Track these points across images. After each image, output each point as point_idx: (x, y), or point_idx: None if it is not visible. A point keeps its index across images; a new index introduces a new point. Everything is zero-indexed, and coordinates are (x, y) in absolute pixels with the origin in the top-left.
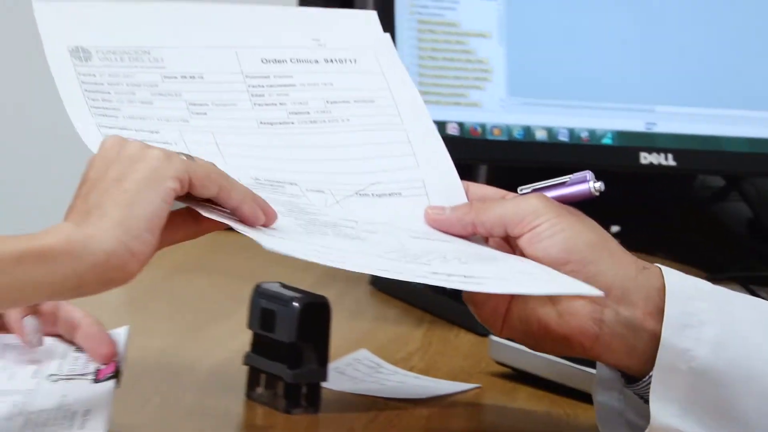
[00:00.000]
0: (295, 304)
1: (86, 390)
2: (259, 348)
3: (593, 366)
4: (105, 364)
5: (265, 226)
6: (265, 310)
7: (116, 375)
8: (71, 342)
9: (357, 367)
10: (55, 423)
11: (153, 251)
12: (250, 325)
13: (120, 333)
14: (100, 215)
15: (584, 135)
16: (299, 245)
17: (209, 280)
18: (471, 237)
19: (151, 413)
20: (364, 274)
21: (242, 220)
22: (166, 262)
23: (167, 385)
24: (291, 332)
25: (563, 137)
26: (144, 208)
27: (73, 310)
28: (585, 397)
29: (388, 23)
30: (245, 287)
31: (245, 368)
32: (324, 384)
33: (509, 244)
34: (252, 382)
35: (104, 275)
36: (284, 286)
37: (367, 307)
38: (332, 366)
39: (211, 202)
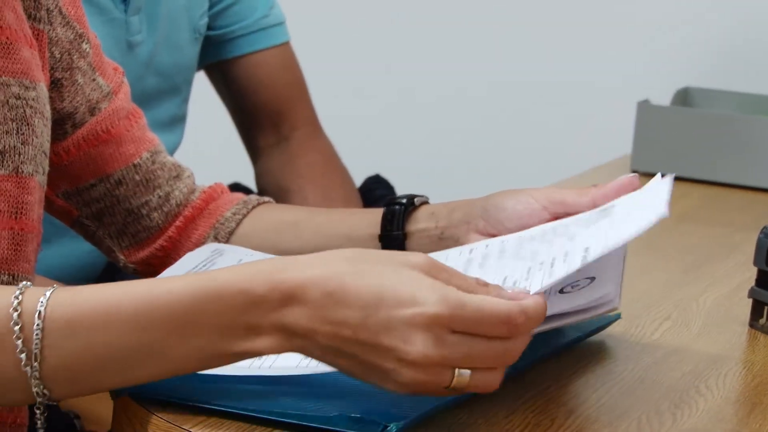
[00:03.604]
0: None
1: None
2: (764, 283)
3: None
4: None
5: None
6: None
7: None
8: None
9: None
10: None
11: None
12: (756, 262)
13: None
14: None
15: None
16: None
17: (707, 229)
18: None
19: (664, 334)
20: None
21: None
22: (672, 213)
23: (677, 312)
24: None
25: None
26: None
27: None
28: None
29: None
30: (738, 234)
31: (749, 301)
32: None
33: None
34: (755, 313)
35: None
36: None
37: None
38: None
39: None
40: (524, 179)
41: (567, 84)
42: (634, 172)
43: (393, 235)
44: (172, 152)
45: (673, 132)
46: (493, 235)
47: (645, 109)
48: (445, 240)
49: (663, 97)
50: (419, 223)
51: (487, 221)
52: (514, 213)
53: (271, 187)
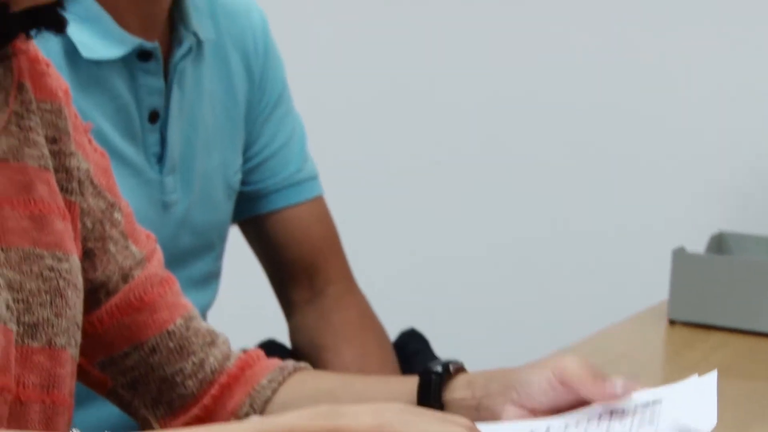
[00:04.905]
0: None
1: None
2: None
3: None
4: None
5: None
6: None
7: None
8: None
9: None
10: None
11: None
12: None
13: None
14: None
15: None
16: None
17: (747, 383)
18: None
19: None
20: None
21: None
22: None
23: None
24: None
25: None
26: None
27: None
28: None
29: None
30: None
31: None
32: None
33: None
34: None
35: None
36: None
37: None
38: None
39: None
40: (559, 328)
41: (598, 232)
42: (671, 321)
43: (430, 406)
44: (206, 308)
45: (709, 280)
46: (527, 408)
47: (681, 257)
48: (482, 410)
49: (697, 242)
50: (456, 392)
51: (519, 393)
52: (540, 389)
53: (305, 344)
